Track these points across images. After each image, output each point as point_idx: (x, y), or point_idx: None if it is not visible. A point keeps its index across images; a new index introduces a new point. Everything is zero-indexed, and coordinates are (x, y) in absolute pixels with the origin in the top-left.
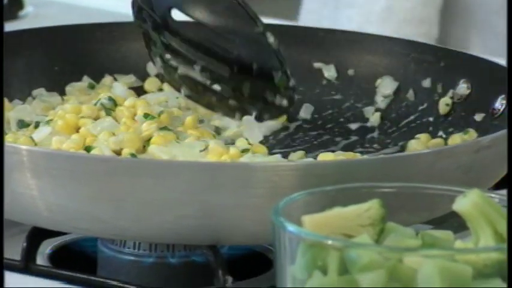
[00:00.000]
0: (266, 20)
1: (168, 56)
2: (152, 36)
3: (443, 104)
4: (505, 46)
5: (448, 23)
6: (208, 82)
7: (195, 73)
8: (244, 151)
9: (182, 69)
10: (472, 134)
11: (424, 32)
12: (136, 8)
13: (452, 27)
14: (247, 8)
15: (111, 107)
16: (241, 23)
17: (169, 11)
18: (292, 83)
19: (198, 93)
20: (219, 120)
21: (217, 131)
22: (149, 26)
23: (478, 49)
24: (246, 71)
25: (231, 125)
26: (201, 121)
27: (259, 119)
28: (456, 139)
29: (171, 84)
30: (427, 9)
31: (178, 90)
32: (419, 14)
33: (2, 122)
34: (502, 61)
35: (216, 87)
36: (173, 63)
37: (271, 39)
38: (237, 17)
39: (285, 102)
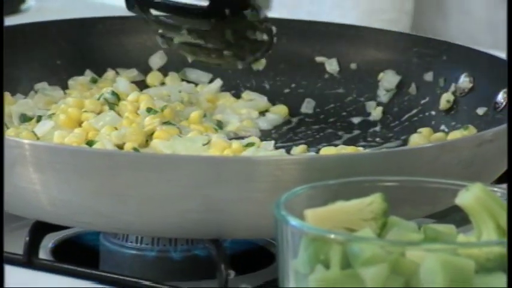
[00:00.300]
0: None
1: (161, 30)
2: (145, 17)
3: (445, 101)
4: (484, 32)
5: (422, 8)
6: (199, 41)
7: (186, 37)
8: (248, 145)
9: (176, 38)
10: (472, 130)
11: (396, 18)
12: None
13: (427, 12)
14: None
15: (114, 101)
16: None
17: None
18: (262, 14)
19: (199, 55)
20: (221, 114)
21: (219, 125)
22: (137, 9)
23: (452, 35)
24: (221, 19)
25: (233, 120)
26: (204, 116)
27: (252, 61)
28: (456, 135)
29: (186, 55)
30: None
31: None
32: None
33: (2, 118)
34: (500, 53)
35: (208, 43)
36: (167, 35)
37: None
38: None
39: (265, 37)
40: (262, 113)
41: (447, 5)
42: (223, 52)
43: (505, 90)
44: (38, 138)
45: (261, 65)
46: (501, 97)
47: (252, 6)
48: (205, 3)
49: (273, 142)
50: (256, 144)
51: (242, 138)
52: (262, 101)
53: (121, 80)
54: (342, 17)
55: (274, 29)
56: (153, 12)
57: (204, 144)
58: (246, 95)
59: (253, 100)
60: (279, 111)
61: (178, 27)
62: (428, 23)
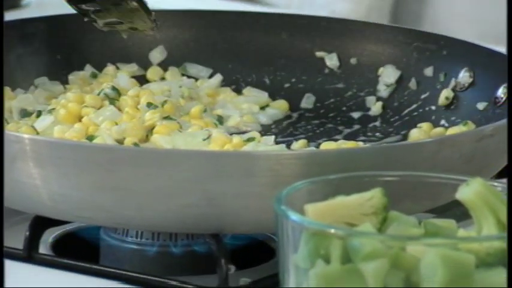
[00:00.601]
0: (262, 9)
1: (86, 18)
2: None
3: (444, 97)
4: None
5: None
6: (109, 19)
7: (98, 19)
8: (249, 140)
9: (98, 22)
10: (471, 125)
11: (378, 5)
12: None
13: (406, 2)
14: None
15: (114, 96)
16: None
17: None
18: None
19: (119, 30)
20: (221, 109)
21: (220, 120)
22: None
23: (429, 25)
24: None
25: (233, 114)
26: (204, 111)
27: (151, 28)
28: (455, 130)
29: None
30: None
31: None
32: None
33: (2, 114)
34: (498, 47)
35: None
36: (91, 19)
37: None
38: None
39: (134, 4)
40: (263, 107)
41: None
42: (128, 25)
43: (505, 85)
44: (37, 133)
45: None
46: (501, 92)
47: None
48: None
49: (273, 137)
50: (257, 139)
51: (243, 133)
52: (263, 96)
53: (122, 76)
54: (327, 5)
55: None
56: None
57: (204, 139)
58: (247, 91)
59: (254, 95)
60: (280, 106)
61: (86, 12)
62: (408, 11)
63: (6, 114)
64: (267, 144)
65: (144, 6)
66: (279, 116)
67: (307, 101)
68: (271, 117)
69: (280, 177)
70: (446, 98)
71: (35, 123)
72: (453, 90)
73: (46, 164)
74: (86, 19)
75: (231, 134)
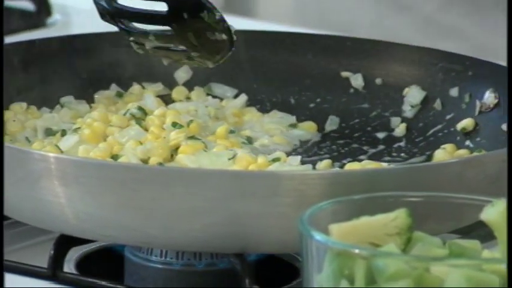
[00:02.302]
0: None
1: (132, 38)
2: (117, 26)
3: (461, 127)
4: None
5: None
6: (168, 45)
7: (155, 42)
8: (274, 160)
9: (147, 44)
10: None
11: None
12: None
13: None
14: None
15: (140, 116)
16: None
17: None
18: (218, 15)
19: (171, 57)
20: (249, 130)
21: (249, 140)
22: (108, 18)
23: (262, 15)
24: (182, 23)
25: (262, 136)
26: (231, 131)
27: (219, 60)
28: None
29: (161, 58)
30: None
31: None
32: None
33: (2, 122)
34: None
35: (176, 46)
36: (139, 41)
37: None
38: None
39: (224, 36)
40: (291, 127)
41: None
42: (191, 53)
43: None
44: (62, 153)
45: (210, 64)
46: None
47: (207, 8)
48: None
49: (299, 157)
50: (282, 159)
51: (269, 153)
52: (290, 117)
53: (148, 96)
54: None
55: (232, 28)
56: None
57: (229, 159)
58: (274, 114)
59: (280, 117)
60: (308, 128)
61: (146, 34)
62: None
63: (30, 133)
64: (293, 165)
65: (231, 39)
66: (305, 137)
67: (331, 123)
68: (297, 137)
69: (305, 197)
70: (464, 129)
71: (60, 143)
72: (473, 118)
73: (71, 183)
74: (131, 38)
75: (258, 154)
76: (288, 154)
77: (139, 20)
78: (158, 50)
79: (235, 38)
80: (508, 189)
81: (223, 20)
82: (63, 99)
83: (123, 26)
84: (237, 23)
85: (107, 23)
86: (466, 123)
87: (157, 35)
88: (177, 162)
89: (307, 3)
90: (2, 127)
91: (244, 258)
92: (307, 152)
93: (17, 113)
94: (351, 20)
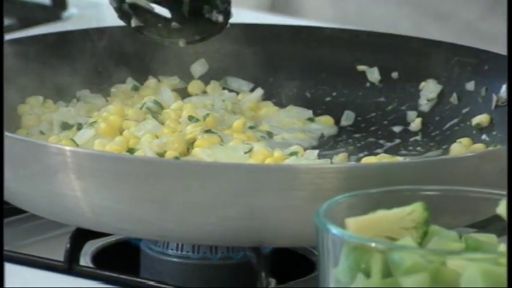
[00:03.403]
0: (300, 22)
1: None
2: None
3: (476, 123)
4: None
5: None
6: (152, 6)
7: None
8: (291, 154)
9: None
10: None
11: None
12: None
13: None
14: None
15: (157, 110)
16: None
17: None
18: None
19: (145, 21)
20: (268, 125)
21: (270, 135)
22: None
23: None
24: None
25: (280, 131)
26: (251, 127)
27: (199, 39)
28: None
29: (122, 18)
30: None
31: (129, 23)
32: None
33: (2, 117)
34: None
35: (160, 11)
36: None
37: None
38: None
39: (220, 18)
40: (309, 121)
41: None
42: (172, 23)
43: None
44: (77, 147)
45: (182, 42)
46: None
47: None
48: None
49: (316, 151)
50: (300, 153)
51: (286, 148)
52: (306, 112)
53: (164, 90)
54: None
55: (232, 14)
56: None
57: (245, 153)
58: (291, 108)
59: (296, 111)
60: (325, 122)
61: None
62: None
63: (45, 127)
64: (309, 159)
65: (225, 24)
66: (322, 131)
67: (347, 117)
68: (314, 132)
69: (321, 191)
70: (478, 124)
71: (75, 137)
72: (495, 105)
73: (87, 176)
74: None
75: (274, 148)
76: (305, 148)
77: None
78: (135, 8)
79: (228, 24)
80: (508, 188)
81: (229, 2)
82: (80, 93)
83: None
84: (255, 18)
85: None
86: (481, 119)
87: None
88: (193, 156)
89: (348, 11)
90: (2, 124)
91: (260, 252)
92: (323, 145)
93: (34, 107)
94: (389, 26)
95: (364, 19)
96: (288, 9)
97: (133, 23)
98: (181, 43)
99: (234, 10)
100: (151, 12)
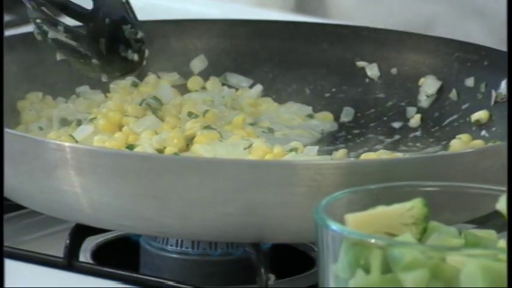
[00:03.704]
0: (299, 18)
1: (38, 20)
2: (28, 3)
3: (475, 119)
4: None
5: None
6: (73, 43)
7: (61, 35)
8: (291, 150)
9: (51, 33)
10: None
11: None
12: None
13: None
14: None
15: (156, 106)
16: None
17: None
18: (140, 34)
19: (68, 55)
20: (268, 121)
21: (271, 131)
22: None
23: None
24: (99, 26)
25: (281, 128)
26: (251, 124)
27: (119, 75)
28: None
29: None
30: None
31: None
32: None
33: (2, 115)
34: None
35: (79, 47)
36: (44, 27)
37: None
38: None
39: (136, 57)
40: (308, 118)
41: None
42: (92, 60)
43: None
44: (77, 143)
45: (104, 78)
46: None
47: (133, 23)
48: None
49: (316, 147)
50: (299, 150)
51: (286, 144)
52: (307, 109)
53: (164, 86)
54: None
55: (147, 52)
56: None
57: (245, 149)
58: (290, 105)
59: (296, 107)
60: (324, 118)
61: (56, 22)
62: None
63: (44, 123)
64: (309, 155)
65: (140, 63)
66: (322, 127)
67: (347, 113)
68: (314, 128)
69: (321, 186)
70: (477, 121)
71: (74, 133)
72: (495, 101)
73: (87, 172)
74: (37, 20)
75: (274, 144)
76: (305, 144)
77: (58, 7)
78: (58, 43)
79: (144, 63)
80: (508, 184)
81: (142, 41)
82: (79, 89)
83: (34, 5)
84: (254, 14)
85: None
86: (480, 115)
87: (68, 28)
88: (192, 152)
89: (379, 12)
90: (2, 122)
91: (260, 248)
92: (323, 142)
93: (33, 103)
94: (424, 26)
95: (396, 14)
96: (317, 10)
97: (58, 56)
98: (104, 78)
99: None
100: (73, 47)
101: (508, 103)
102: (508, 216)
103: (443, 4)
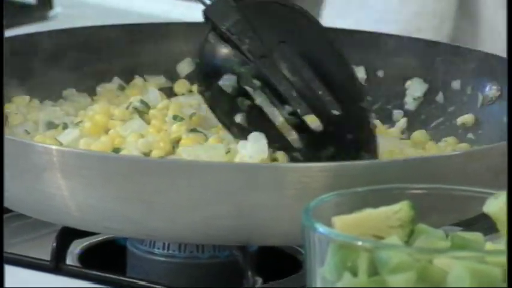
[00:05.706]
0: None
1: (256, 83)
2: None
3: (461, 122)
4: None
5: (461, 19)
6: (289, 131)
7: (251, 81)
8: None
9: (260, 100)
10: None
11: (435, 26)
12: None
13: (464, 24)
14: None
15: (143, 109)
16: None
17: (278, 45)
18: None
19: (258, 128)
20: None
21: None
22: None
23: (487, 48)
24: (334, 135)
25: None
26: None
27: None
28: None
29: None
30: (440, 4)
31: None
32: (432, 7)
33: (2, 121)
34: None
35: (293, 136)
36: (257, 93)
37: (372, 119)
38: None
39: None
40: None
41: (483, 16)
42: (293, 153)
43: None
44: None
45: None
46: None
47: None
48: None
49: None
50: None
51: None
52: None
53: (151, 89)
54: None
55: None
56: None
57: (227, 153)
58: None
59: None
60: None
61: (284, 100)
62: (465, 34)
63: (30, 126)
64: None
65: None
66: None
67: None
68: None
69: (308, 189)
70: (463, 124)
71: (60, 136)
72: (481, 104)
73: (73, 176)
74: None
75: None
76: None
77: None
78: (253, 111)
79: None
80: (508, 186)
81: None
82: (66, 92)
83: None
84: None
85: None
86: (466, 119)
87: (295, 113)
88: (178, 155)
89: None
90: (2, 123)
91: (247, 251)
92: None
93: (20, 106)
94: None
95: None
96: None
97: (228, 89)
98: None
99: None
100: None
101: (508, 103)
102: (507, 218)
103: (430, 6)
